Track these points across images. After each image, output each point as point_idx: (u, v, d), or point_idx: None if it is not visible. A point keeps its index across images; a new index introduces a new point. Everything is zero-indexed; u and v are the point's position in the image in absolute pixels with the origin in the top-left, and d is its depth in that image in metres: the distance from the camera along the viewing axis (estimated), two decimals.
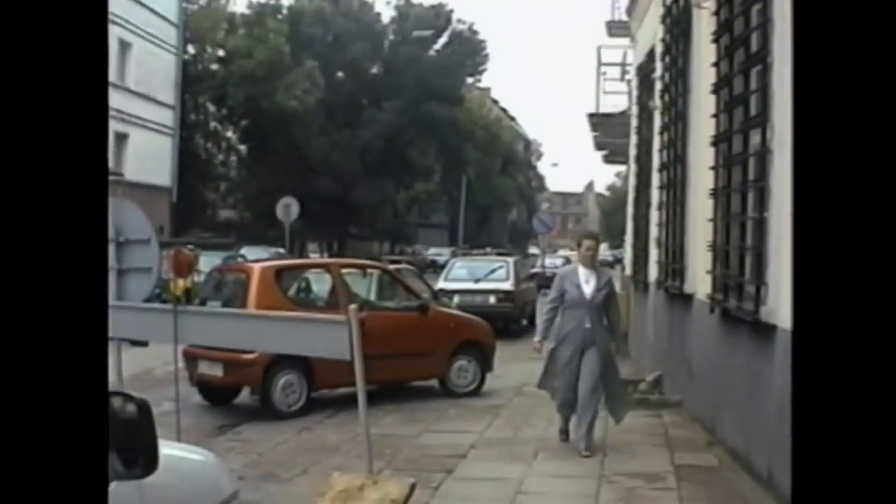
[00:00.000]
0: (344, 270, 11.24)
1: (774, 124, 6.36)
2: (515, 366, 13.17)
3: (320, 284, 11.37)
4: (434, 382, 11.54)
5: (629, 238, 17.17)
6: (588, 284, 8.19)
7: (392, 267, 14.78)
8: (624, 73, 19.74)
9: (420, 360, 10.99)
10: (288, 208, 27.23)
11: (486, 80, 75.33)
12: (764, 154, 6.50)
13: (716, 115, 8.34)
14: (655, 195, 12.07)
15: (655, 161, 12.31)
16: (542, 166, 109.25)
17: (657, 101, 11.04)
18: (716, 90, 8.35)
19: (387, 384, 10.71)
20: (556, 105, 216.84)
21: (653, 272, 12.14)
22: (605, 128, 19.68)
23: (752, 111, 7.06)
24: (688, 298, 9.25)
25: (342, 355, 5.61)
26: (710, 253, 8.21)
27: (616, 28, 18.77)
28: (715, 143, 8.25)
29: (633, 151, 15.73)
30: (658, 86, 12.28)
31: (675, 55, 10.93)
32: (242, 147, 49.05)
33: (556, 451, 8.29)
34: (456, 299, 17.24)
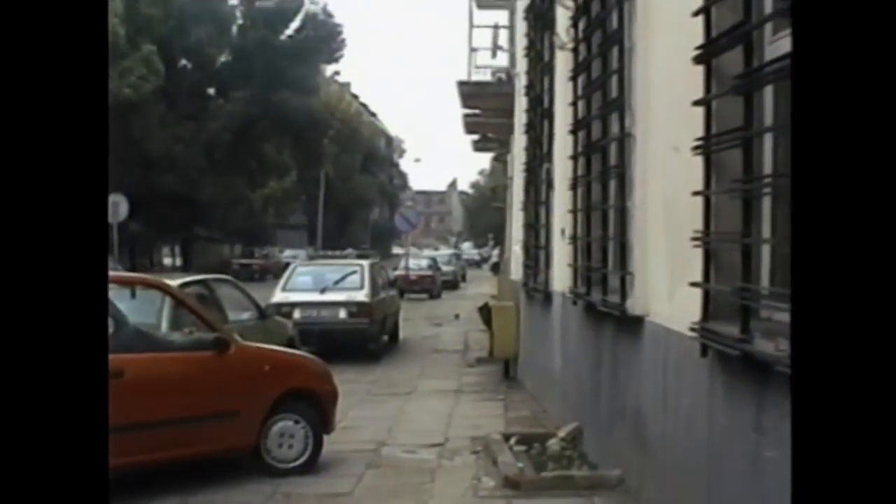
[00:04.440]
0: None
1: (635, 108, 6.49)
2: (372, 409, 11.17)
3: None
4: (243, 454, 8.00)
5: (514, 233, 15.52)
6: None
7: (203, 278, 11.98)
8: (496, 44, 19.75)
9: (218, 423, 7.56)
10: (116, 207, 25.96)
11: (345, 75, 75.16)
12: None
13: (574, 103, 8.48)
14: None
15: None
16: (405, 163, 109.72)
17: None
18: (574, 76, 8.49)
19: (166, 463, 7.30)
20: (419, 99, 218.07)
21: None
22: (479, 100, 18.61)
23: (612, 95, 7.19)
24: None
25: None
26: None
27: None
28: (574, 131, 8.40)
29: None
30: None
31: (538, 43, 11.10)
32: None
33: None
34: (296, 314, 15.59)
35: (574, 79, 8.41)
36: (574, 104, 8.40)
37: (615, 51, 7.15)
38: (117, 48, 40.87)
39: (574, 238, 8.47)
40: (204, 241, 56.88)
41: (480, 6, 21.18)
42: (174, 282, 10.53)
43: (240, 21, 52.45)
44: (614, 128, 7.13)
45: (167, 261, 58.28)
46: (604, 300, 7.21)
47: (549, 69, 10.54)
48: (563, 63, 9.37)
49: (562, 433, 8.59)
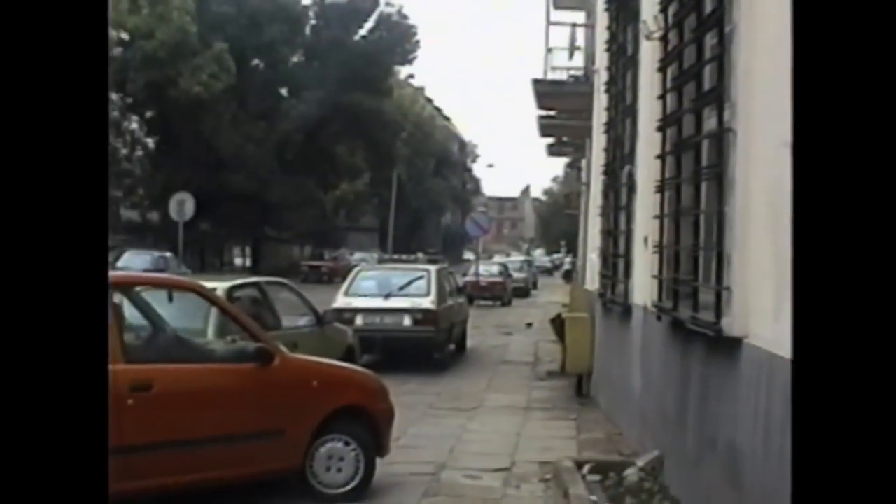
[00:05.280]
0: (138, 289, 7.41)
1: (735, 100, 5.71)
2: (434, 425, 10.33)
3: None
4: (289, 476, 7.23)
5: (589, 240, 14.59)
6: None
7: (256, 281, 11.22)
8: (573, 44, 19.13)
9: (259, 443, 6.81)
10: (182, 205, 25.77)
11: (419, 77, 74.95)
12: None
13: (662, 96, 7.71)
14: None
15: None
16: (478, 168, 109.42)
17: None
18: (662, 67, 7.72)
19: (199, 486, 6.56)
20: (493, 104, 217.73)
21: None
22: (555, 100, 17.82)
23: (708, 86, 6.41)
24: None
25: None
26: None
27: None
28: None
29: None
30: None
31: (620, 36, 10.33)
32: (150, 140, 47.57)
33: None
34: (358, 321, 14.87)
35: (663, 70, 7.63)
36: (662, 98, 7.61)
37: (712, 36, 6.38)
38: (189, 46, 41.06)
39: (660, 246, 7.68)
40: (274, 241, 56.99)
41: (558, 6, 20.53)
42: (226, 284, 10.03)
43: (313, 21, 52.35)
44: (710, 123, 6.35)
45: (238, 261, 58.49)
46: (694, 317, 6.42)
47: (633, 62, 9.77)
48: (649, 54, 8.60)
49: (640, 462, 7.78)
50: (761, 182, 5.33)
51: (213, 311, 8.22)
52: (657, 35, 7.97)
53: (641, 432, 8.91)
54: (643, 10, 8.80)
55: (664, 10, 7.64)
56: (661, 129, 7.66)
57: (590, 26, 18.26)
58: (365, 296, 15.79)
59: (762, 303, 5.29)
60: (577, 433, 10.15)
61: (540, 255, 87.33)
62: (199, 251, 49.56)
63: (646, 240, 8.61)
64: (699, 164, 6.54)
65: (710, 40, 6.49)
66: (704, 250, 6.47)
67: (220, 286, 9.70)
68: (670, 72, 7.50)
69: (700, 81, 6.57)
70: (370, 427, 7.41)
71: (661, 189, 7.67)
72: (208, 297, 7.43)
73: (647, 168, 8.67)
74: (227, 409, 6.68)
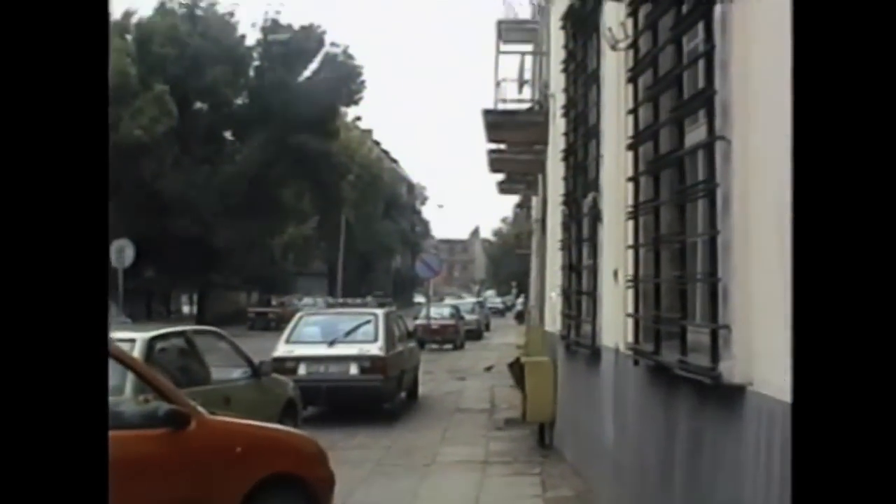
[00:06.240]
0: None
1: (730, 102, 4.81)
2: (382, 487, 9.52)
3: None
4: None
5: (548, 278, 13.56)
6: None
7: (183, 330, 10.30)
8: (521, 77, 18.55)
9: None
10: (122, 252, 24.62)
11: (365, 118, 74.10)
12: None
13: (633, 110, 6.83)
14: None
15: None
16: (427, 211, 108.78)
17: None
18: (633, 77, 6.85)
19: None
20: (441, 146, 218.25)
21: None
22: (506, 132, 16.89)
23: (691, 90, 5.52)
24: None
25: None
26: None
27: (510, 30, 17.57)
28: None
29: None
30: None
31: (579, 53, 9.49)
32: None
33: None
34: (301, 370, 14.00)
35: (633, 80, 6.75)
36: (634, 111, 6.72)
37: (693, 34, 5.52)
38: (129, 88, 39.89)
39: (634, 280, 6.75)
40: (221, 287, 55.59)
41: (506, 40, 19.84)
42: (147, 334, 8.93)
43: (256, 62, 51.34)
44: (696, 134, 5.46)
45: (185, 308, 57.00)
46: (682, 362, 5.47)
47: (594, 78, 8.92)
48: (614, 67, 7.75)
49: None
50: (765, 198, 4.41)
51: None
52: (624, 44, 7.12)
53: (616, 490, 7.92)
54: (606, 20, 7.95)
55: (634, 14, 6.78)
56: (633, 146, 6.76)
57: (541, 54, 17.55)
58: (308, 343, 14.79)
59: (770, 342, 4.33)
60: (542, 490, 9.14)
61: (491, 297, 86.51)
62: (144, 299, 48.10)
63: (615, 273, 7.70)
64: (683, 182, 5.63)
65: (691, 40, 5.63)
66: (693, 282, 5.56)
67: (139, 337, 8.62)
68: (642, 82, 6.63)
69: (681, 87, 5.69)
70: (306, 499, 6.30)
71: (634, 215, 6.76)
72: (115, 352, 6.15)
73: (614, 193, 7.78)
74: (132, 483, 5.19)
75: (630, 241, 6.86)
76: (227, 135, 50.54)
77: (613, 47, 7.40)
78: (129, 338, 8.49)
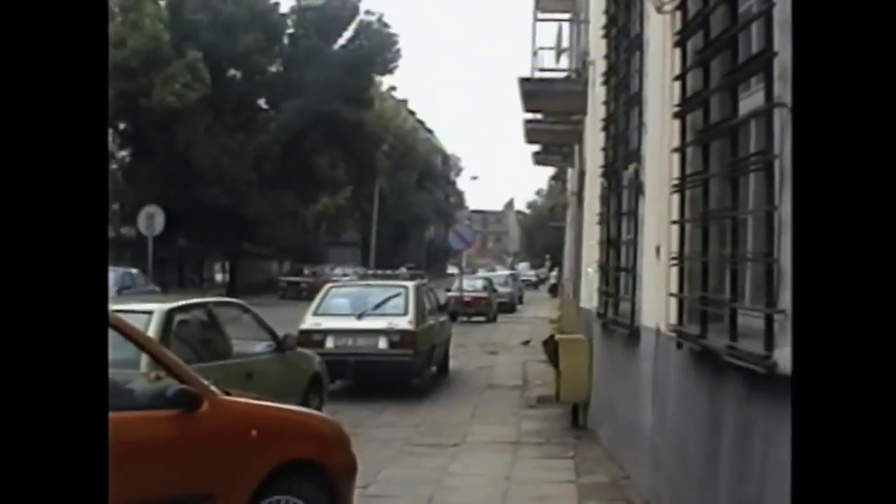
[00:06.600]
0: None
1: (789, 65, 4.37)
2: (410, 467, 9.05)
3: None
4: None
5: (585, 253, 13.11)
6: None
7: (205, 301, 9.91)
8: (559, 45, 18.02)
9: None
10: (151, 219, 24.42)
11: (401, 88, 73.61)
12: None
13: (681, 76, 6.37)
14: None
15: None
16: (462, 182, 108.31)
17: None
18: (681, 41, 6.38)
19: None
20: (477, 117, 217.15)
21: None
22: (543, 101, 16.29)
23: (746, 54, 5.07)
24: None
25: None
26: None
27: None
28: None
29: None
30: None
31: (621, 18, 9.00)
32: (123, 153, 46.08)
33: None
34: (329, 343, 13.60)
35: (681, 44, 6.29)
36: (681, 77, 6.26)
37: None
38: (161, 54, 39.68)
39: (679, 258, 6.31)
40: (253, 257, 55.48)
41: (543, 9, 19.31)
42: (165, 306, 8.58)
43: (291, 29, 50.92)
44: (752, 100, 5.01)
45: (218, 277, 56.96)
46: (731, 347, 5.04)
47: (638, 43, 8.44)
48: (659, 31, 7.28)
49: None
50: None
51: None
52: (671, 6, 6.66)
53: (654, 478, 7.51)
54: None
55: None
56: (680, 115, 6.30)
57: (579, 21, 17.01)
58: (336, 315, 14.37)
59: None
60: (576, 475, 8.75)
61: (525, 269, 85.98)
62: (176, 267, 48.06)
63: (657, 250, 7.25)
64: (736, 153, 5.19)
65: None
66: (743, 262, 5.13)
67: (157, 308, 8.28)
68: (691, 45, 6.15)
69: (735, 50, 5.23)
70: (325, 486, 5.82)
71: (680, 188, 6.31)
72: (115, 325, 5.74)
73: (658, 165, 7.33)
74: (140, 468, 4.88)
75: (675, 216, 6.42)
76: (261, 103, 50.24)
77: (659, 9, 6.96)
78: (147, 309, 8.17)
